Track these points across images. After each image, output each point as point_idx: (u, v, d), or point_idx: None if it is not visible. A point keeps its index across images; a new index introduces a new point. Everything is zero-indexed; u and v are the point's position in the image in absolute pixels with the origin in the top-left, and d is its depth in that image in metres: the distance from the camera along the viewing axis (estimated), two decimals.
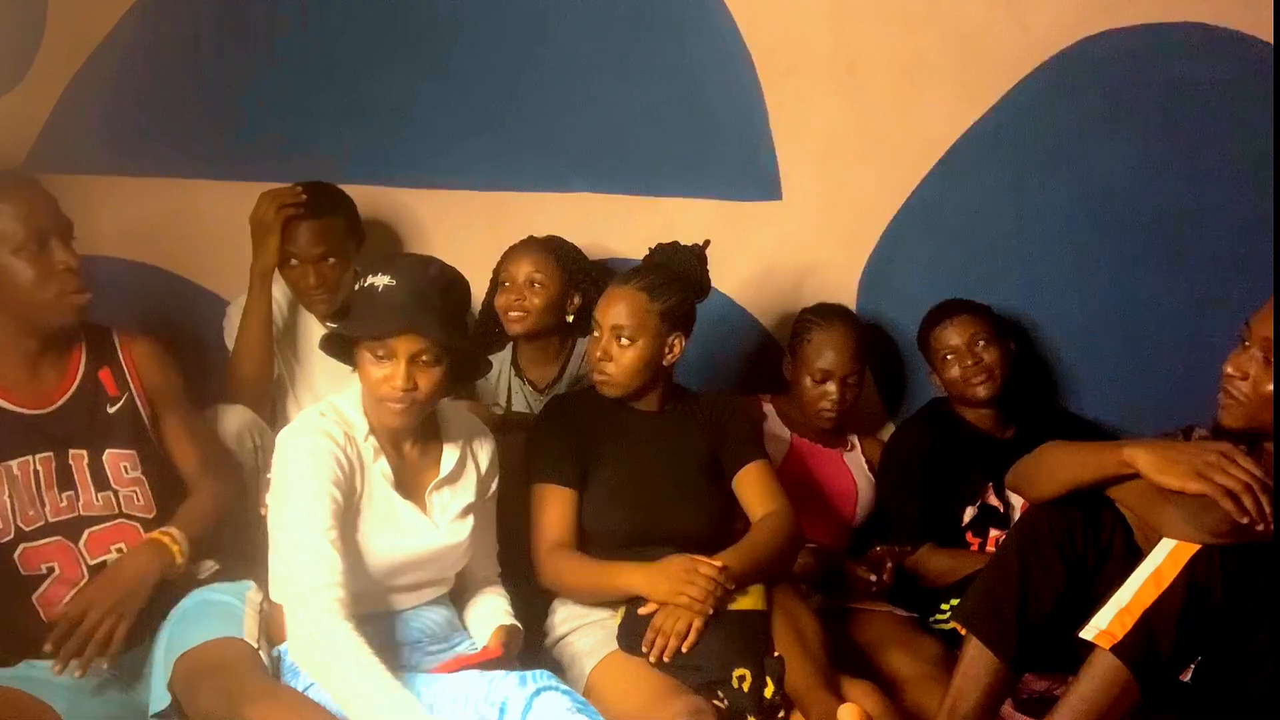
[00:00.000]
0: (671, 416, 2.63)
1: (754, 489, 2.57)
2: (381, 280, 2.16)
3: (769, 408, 3.04)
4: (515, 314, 2.88)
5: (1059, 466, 2.26)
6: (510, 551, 2.54)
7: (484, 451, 2.41)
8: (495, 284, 2.95)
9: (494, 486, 2.43)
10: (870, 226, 3.24)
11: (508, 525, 2.53)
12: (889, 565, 2.74)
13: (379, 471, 2.24)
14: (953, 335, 2.99)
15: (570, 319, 2.94)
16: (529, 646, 2.41)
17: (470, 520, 2.33)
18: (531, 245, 2.93)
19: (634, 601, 2.40)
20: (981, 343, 2.97)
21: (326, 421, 2.21)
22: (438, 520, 2.28)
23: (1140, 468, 2.12)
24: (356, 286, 2.20)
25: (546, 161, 3.19)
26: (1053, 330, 3.26)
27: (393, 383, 2.16)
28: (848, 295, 3.25)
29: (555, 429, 2.58)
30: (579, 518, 2.51)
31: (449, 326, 2.19)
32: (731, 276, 3.12)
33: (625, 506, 2.52)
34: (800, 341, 2.98)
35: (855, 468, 3.09)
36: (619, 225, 3.16)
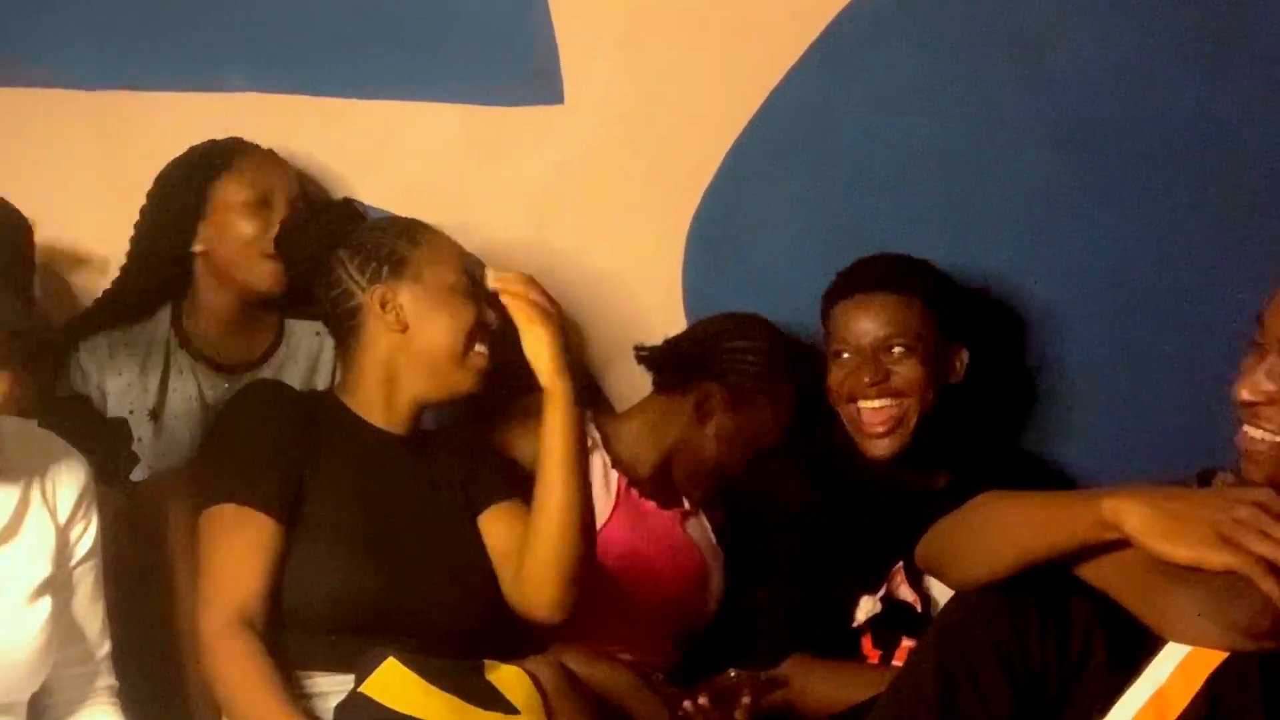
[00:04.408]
0: (420, 445, 2.64)
1: (506, 533, 2.60)
2: None
3: (592, 433, 2.97)
4: (270, 259, 2.82)
5: (1001, 531, 2.19)
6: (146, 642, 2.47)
7: (67, 488, 2.30)
8: (196, 205, 2.90)
9: (90, 541, 2.32)
10: (707, 145, 3.12)
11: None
12: (745, 701, 2.64)
13: None
14: (856, 321, 2.86)
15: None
16: None
17: (45, 604, 2.23)
18: (270, 153, 2.95)
19: None
20: (898, 347, 2.81)
21: None
22: None
23: (1130, 529, 2.03)
24: None
25: (185, 45, 3.08)
26: (996, 314, 3.14)
27: None
28: (670, 252, 3.12)
29: (255, 429, 2.55)
30: (281, 572, 2.45)
31: (15, 299, 2.11)
32: (489, 221, 3.02)
33: (356, 566, 2.48)
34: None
35: (701, 538, 3.00)
36: (308, 140, 3.07)
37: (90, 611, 2.35)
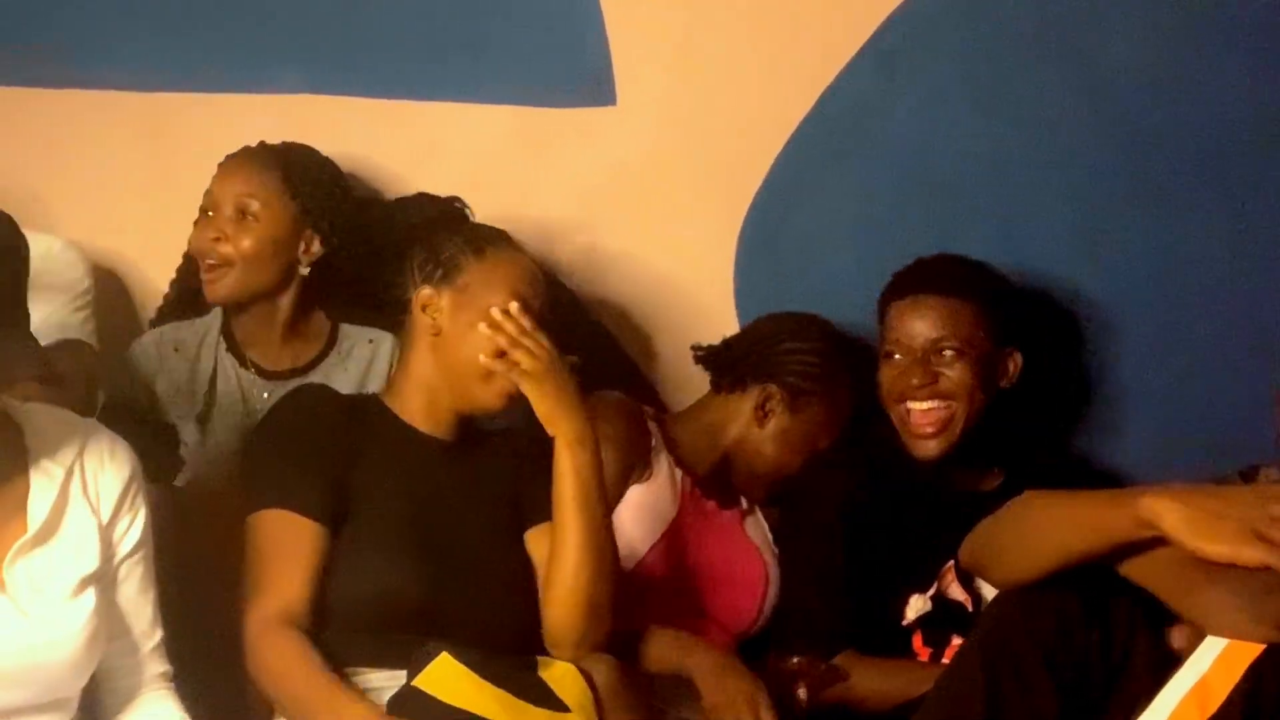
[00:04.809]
0: (468, 450, 2.60)
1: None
2: None
3: (657, 432, 2.95)
4: (212, 261, 2.79)
5: (1042, 530, 2.20)
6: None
7: (110, 482, 2.28)
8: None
9: (138, 533, 2.30)
10: (759, 146, 3.12)
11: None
12: (802, 693, 2.66)
13: None
14: (909, 322, 2.84)
15: (304, 270, 2.86)
16: None
17: (87, 601, 2.21)
18: (249, 157, 2.87)
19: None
20: (949, 350, 2.79)
21: None
22: (25, 604, 2.16)
23: (1167, 527, 2.05)
24: None
25: (238, 47, 3.10)
26: (1048, 316, 3.11)
27: None
28: (721, 253, 3.12)
29: (300, 433, 2.52)
30: (324, 575, 2.44)
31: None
32: (542, 222, 3.03)
33: (399, 567, 2.46)
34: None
35: (759, 538, 2.99)
36: (360, 143, 3.05)
37: (140, 602, 2.33)
